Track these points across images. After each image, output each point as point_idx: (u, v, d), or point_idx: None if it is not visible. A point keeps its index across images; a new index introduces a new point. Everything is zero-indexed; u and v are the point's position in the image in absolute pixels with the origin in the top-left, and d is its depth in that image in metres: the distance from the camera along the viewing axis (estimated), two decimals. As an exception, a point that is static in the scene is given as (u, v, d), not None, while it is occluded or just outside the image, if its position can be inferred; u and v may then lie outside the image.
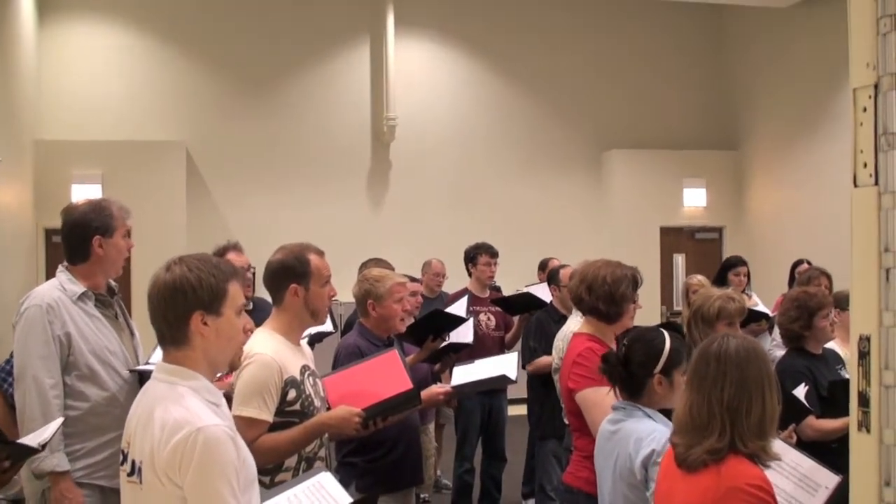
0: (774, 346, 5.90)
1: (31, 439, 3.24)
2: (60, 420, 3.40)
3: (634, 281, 4.03)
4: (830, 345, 5.05)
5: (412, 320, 5.27)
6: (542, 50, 12.95)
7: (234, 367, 2.56)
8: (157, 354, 2.96)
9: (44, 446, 3.19)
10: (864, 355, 1.92)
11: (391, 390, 3.74)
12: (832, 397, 4.53)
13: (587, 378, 3.74)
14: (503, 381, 4.85)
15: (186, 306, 2.36)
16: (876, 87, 1.91)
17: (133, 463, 2.34)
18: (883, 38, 1.89)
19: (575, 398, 3.85)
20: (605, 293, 3.94)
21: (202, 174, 11.88)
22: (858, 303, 1.98)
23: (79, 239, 3.79)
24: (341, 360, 4.32)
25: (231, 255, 5.26)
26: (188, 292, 2.36)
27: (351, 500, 2.85)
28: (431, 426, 7.10)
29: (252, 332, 3.81)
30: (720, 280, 7.47)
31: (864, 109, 1.94)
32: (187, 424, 2.23)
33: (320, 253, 3.67)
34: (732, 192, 13.12)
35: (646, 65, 13.24)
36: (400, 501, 4.31)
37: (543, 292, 6.68)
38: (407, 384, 3.81)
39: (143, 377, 3.66)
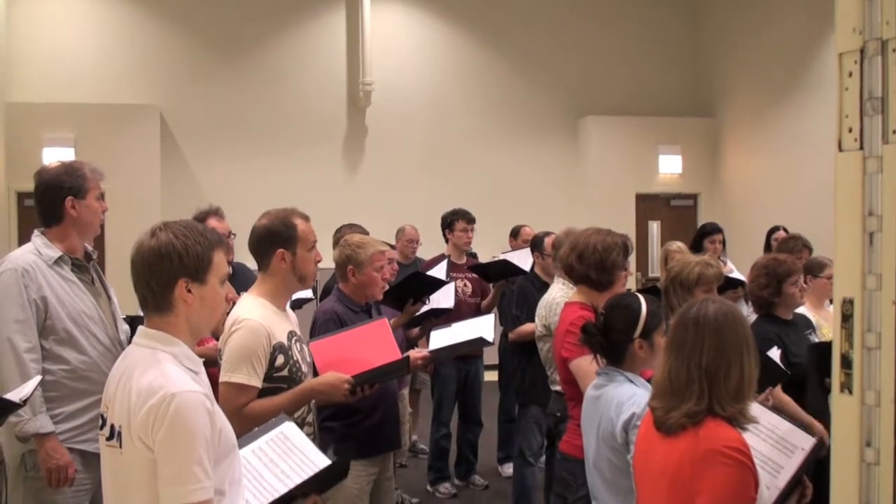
0: (751, 313, 5.95)
1: (12, 395, 3.24)
2: (39, 378, 3.39)
3: (625, 248, 4.03)
4: (802, 310, 5.11)
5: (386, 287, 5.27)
6: (518, 16, 12.89)
7: (216, 334, 2.54)
8: None
9: (25, 401, 3.18)
10: (847, 318, 1.94)
11: (381, 359, 3.75)
12: (810, 361, 4.57)
13: (580, 347, 3.75)
14: (480, 343, 4.86)
15: (172, 273, 2.34)
16: (862, 51, 1.91)
17: (112, 427, 2.34)
18: (869, 3, 1.89)
19: (569, 367, 3.87)
20: (595, 261, 3.95)
21: (176, 138, 11.78)
22: (842, 266, 2.00)
23: (51, 200, 3.76)
24: (319, 326, 4.31)
25: (212, 221, 5.21)
26: (174, 259, 2.34)
27: (313, 447, 2.84)
28: (406, 392, 7.13)
29: (234, 301, 3.81)
30: (696, 247, 7.50)
31: (850, 74, 1.94)
32: (162, 389, 2.22)
33: (306, 218, 3.66)
34: (708, 158, 13.17)
35: (621, 31, 13.23)
36: (378, 466, 4.32)
37: (521, 259, 6.67)
38: (396, 353, 3.83)
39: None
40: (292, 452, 2.75)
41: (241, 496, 2.45)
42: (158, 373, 2.27)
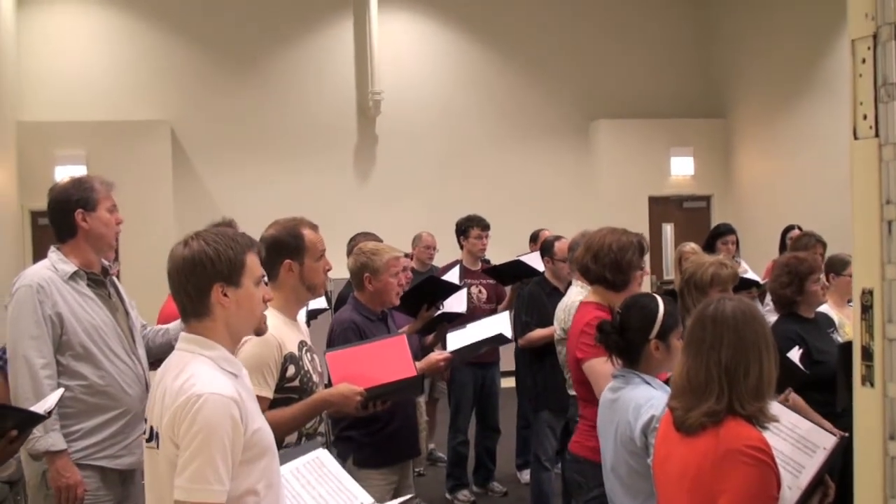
0: (767, 313, 5.91)
1: (37, 407, 3.22)
2: (61, 391, 3.38)
3: (641, 247, 4.00)
4: (823, 308, 5.07)
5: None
6: (527, 20, 12.88)
7: (259, 333, 2.65)
8: None
9: (49, 413, 3.17)
10: (866, 309, 1.91)
11: (395, 374, 3.73)
12: (850, 358, 4.50)
13: (595, 348, 3.73)
14: (500, 339, 4.83)
15: (206, 279, 2.45)
16: (875, 37, 1.88)
17: (151, 428, 2.44)
18: (882, -12, 1.87)
19: (582, 368, 3.84)
20: (611, 261, 3.91)
21: (187, 153, 11.81)
22: (860, 256, 1.97)
23: (61, 215, 3.77)
24: (337, 336, 4.29)
25: (226, 233, 5.20)
26: (207, 265, 2.44)
27: (348, 476, 2.89)
28: (422, 400, 7.09)
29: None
30: (709, 248, 7.48)
31: (864, 61, 1.91)
32: (190, 390, 2.31)
33: (314, 227, 3.65)
34: (720, 160, 13.12)
35: (632, 33, 13.20)
36: (397, 474, 4.31)
37: (535, 261, 6.65)
38: (411, 370, 3.80)
39: None
40: (329, 478, 2.84)
41: (281, 498, 2.53)
42: (192, 375, 2.36)
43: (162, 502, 2.38)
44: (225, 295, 2.46)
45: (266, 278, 3.59)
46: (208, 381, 2.34)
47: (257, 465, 2.39)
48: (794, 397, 4.50)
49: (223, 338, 2.49)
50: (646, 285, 11.43)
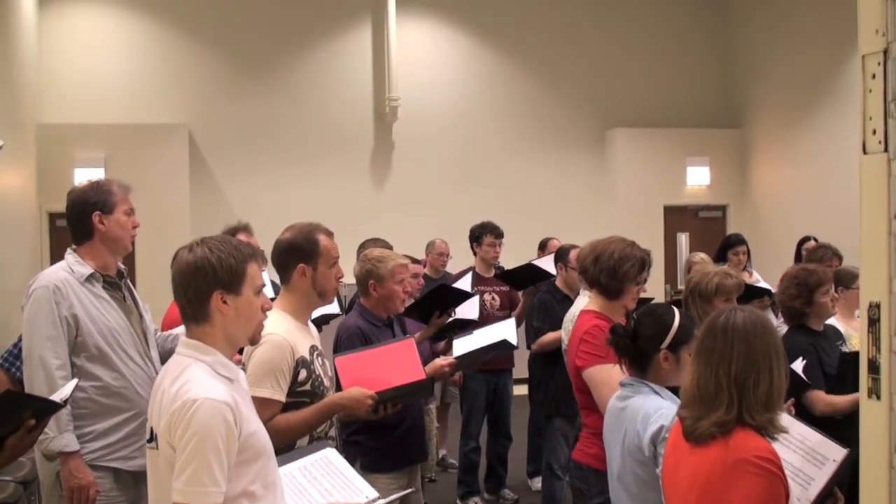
0: (782, 324, 5.89)
1: (53, 397, 3.23)
2: (75, 381, 3.40)
3: (642, 263, 4.02)
4: (831, 321, 5.05)
5: (411, 301, 5.25)
6: (544, 28, 12.90)
7: (254, 342, 2.69)
8: None
9: (65, 402, 3.19)
10: (873, 322, 1.91)
11: (404, 377, 3.75)
12: (842, 371, 4.51)
13: (594, 356, 3.75)
14: (505, 346, 4.83)
15: (207, 285, 2.49)
16: (885, 53, 1.89)
17: (151, 430, 2.50)
18: (892, 4, 1.87)
19: (582, 376, 3.86)
20: (608, 267, 3.95)
21: (205, 156, 11.88)
22: (868, 270, 1.97)
23: (79, 217, 3.80)
24: (343, 342, 4.31)
25: (241, 237, 5.21)
26: (208, 272, 2.48)
27: (355, 472, 2.94)
28: (433, 406, 7.11)
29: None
30: (720, 259, 7.46)
31: (873, 76, 1.92)
32: (186, 395, 2.37)
33: (329, 234, 3.67)
34: (736, 170, 13.09)
35: (649, 43, 13.19)
36: (405, 478, 4.32)
37: (548, 264, 6.65)
38: (420, 373, 3.82)
39: None
40: (335, 474, 2.90)
41: (279, 498, 2.56)
42: (188, 379, 2.41)
43: (163, 500, 2.43)
44: (224, 302, 2.50)
45: (282, 282, 3.67)
46: (203, 386, 2.39)
47: (252, 466, 2.45)
48: (819, 395, 4.49)
49: (221, 343, 2.54)
50: (660, 294, 11.48)
